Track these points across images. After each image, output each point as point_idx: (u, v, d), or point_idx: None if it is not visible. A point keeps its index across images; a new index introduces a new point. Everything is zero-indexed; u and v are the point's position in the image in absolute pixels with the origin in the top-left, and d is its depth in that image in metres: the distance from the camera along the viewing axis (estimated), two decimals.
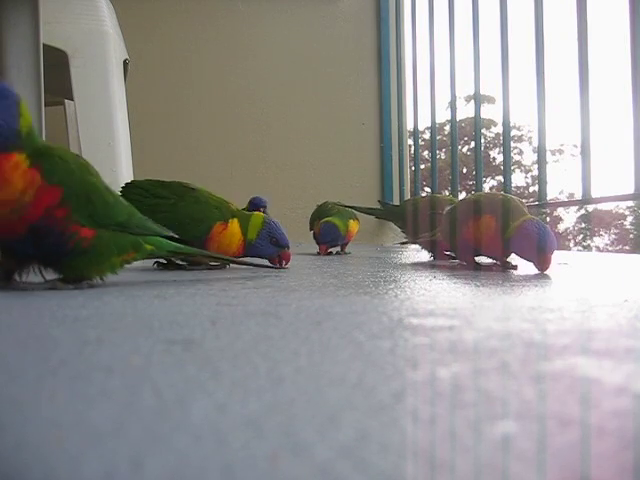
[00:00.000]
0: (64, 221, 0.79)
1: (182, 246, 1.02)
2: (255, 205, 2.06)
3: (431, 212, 1.70)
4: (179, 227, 1.17)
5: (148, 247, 0.94)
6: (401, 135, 3.71)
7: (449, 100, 3.15)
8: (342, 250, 2.19)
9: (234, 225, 1.28)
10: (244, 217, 1.33)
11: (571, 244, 17.87)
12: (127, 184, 1.31)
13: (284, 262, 1.31)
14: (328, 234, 2.02)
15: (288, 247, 1.33)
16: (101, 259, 0.85)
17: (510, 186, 2.64)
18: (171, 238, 1.00)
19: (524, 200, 1.48)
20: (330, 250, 2.15)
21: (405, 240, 2.37)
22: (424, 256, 1.73)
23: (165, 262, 1.28)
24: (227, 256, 1.22)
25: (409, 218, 1.82)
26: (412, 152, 3.86)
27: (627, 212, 17.64)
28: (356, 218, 2.16)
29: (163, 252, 1.00)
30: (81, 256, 0.82)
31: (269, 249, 1.30)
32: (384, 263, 1.61)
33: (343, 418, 0.28)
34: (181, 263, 1.28)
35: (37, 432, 0.27)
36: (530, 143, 19.52)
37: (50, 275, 0.84)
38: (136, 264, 0.99)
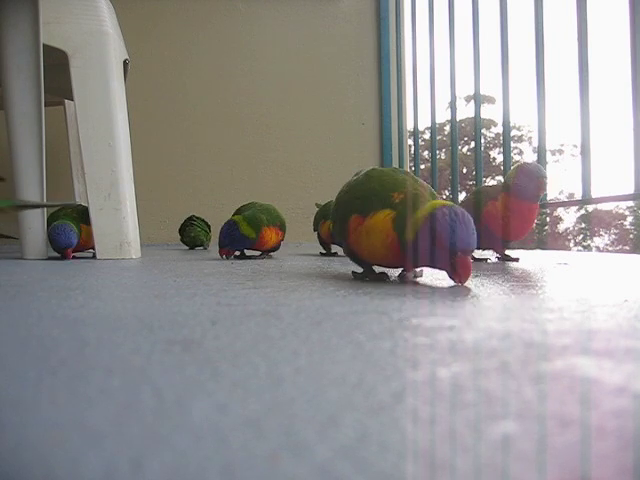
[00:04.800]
0: None
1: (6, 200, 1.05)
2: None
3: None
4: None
5: None
6: (401, 135, 3.71)
7: (449, 100, 3.14)
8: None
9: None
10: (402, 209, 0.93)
11: (571, 244, 17.88)
12: None
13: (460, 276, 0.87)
14: (226, 235, 1.74)
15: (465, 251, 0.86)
16: None
17: None
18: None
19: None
20: (330, 251, 2.11)
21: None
22: None
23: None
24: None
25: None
26: (412, 152, 3.86)
27: (627, 212, 17.67)
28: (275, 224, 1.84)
29: None
30: None
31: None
32: None
33: (343, 418, 0.28)
34: None
35: (37, 432, 0.27)
36: (530, 143, 19.55)
37: None
38: (136, 265, 0.99)
